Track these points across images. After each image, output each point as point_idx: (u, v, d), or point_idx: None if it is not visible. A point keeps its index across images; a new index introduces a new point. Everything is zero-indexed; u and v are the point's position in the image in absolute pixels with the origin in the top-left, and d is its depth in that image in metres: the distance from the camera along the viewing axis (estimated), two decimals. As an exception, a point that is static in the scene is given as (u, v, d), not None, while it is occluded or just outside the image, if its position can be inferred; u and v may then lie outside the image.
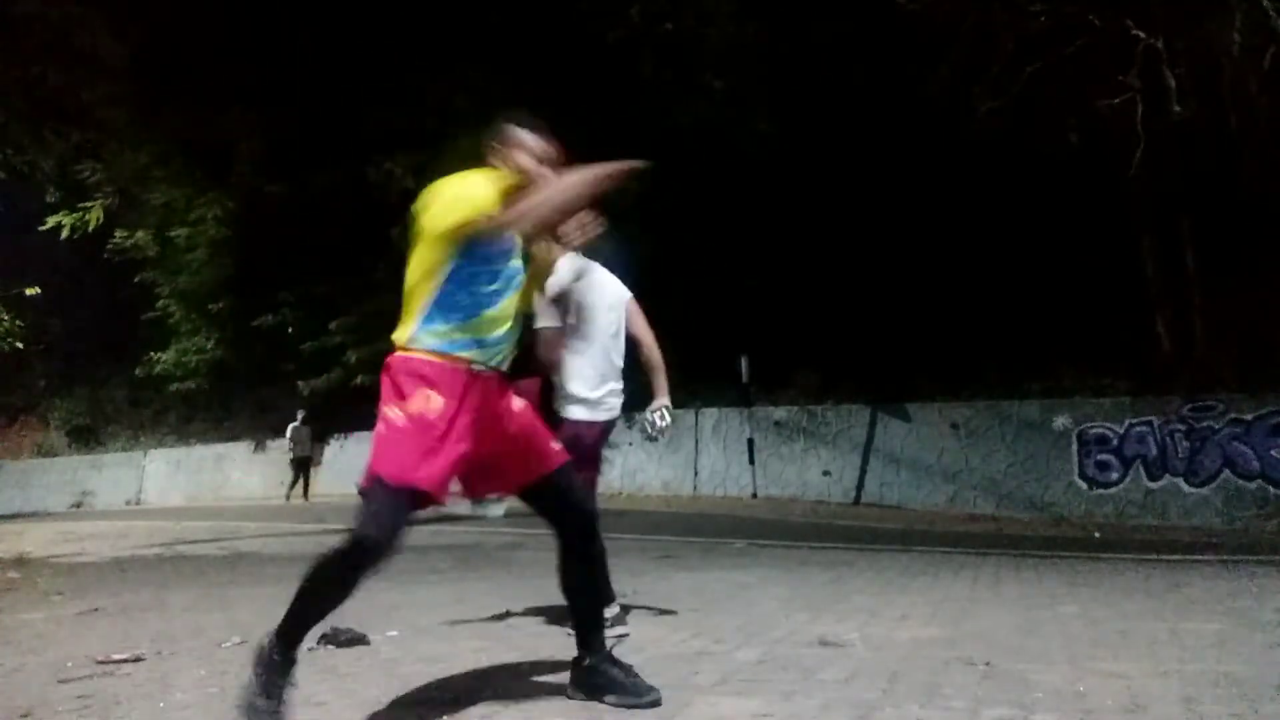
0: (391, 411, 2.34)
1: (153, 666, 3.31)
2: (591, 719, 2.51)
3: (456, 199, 2.38)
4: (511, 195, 2.36)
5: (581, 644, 2.65)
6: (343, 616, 4.00)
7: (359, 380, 17.60)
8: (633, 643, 3.52)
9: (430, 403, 2.32)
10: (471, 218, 2.32)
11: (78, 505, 22.61)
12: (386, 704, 2.69)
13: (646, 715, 2.52)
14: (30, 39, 11.26)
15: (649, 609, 4.37)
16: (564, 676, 2.76)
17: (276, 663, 2.29)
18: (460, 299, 2.38)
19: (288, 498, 17.35)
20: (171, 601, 5.09)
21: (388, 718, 2.58)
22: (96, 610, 4.80)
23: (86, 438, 25.62)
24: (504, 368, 2.50)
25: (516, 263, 2.51)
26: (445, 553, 7.48)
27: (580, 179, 2.34)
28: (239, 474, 21.19)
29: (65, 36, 11.50)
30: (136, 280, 21.11)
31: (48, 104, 12.07)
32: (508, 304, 2.48)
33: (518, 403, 2.56)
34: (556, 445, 2.61)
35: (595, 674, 2.61)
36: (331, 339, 17.85)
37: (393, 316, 2.46)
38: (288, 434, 17.67)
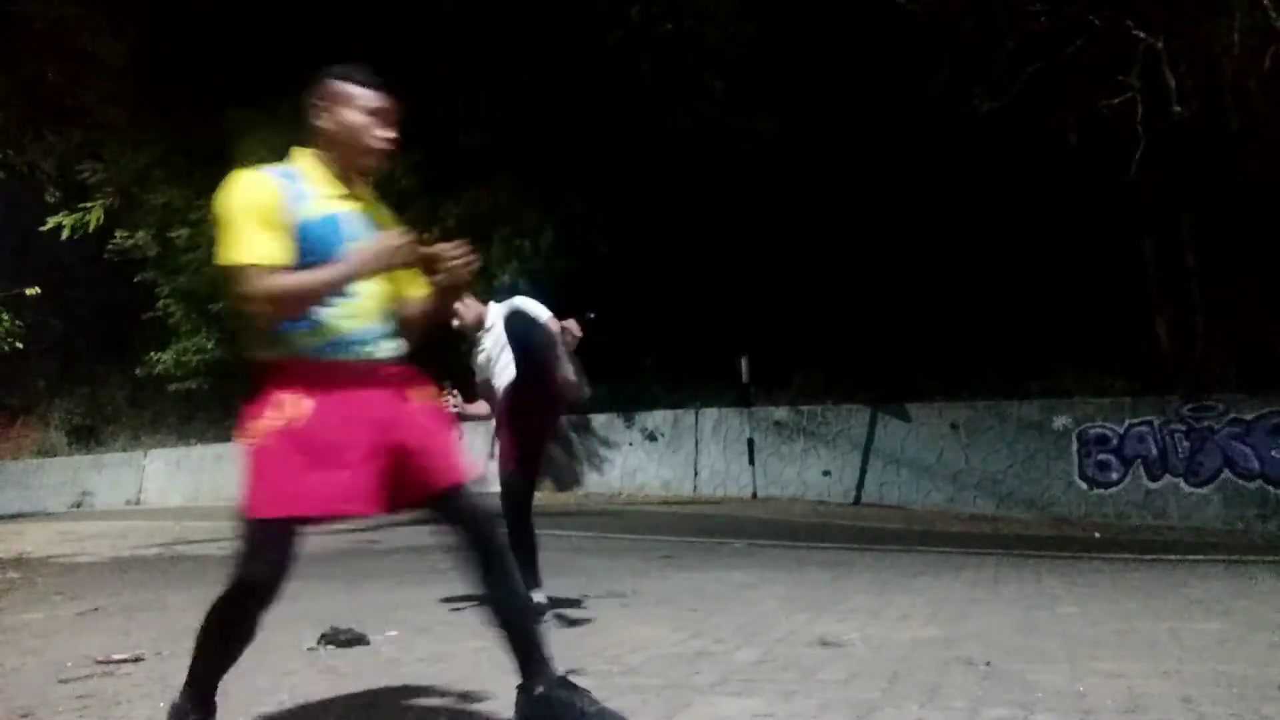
0: (253, 433, 2.10)
1: (153, 666, 3.32)
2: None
3: (230, 231, 2.06)
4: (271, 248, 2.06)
5: (525, 669, 2.25)
6: (343, 616, 4.02)
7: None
8: (633, 642, 3.52)
9: (298, 410, 2.08)
10: (239, 273, 2.05)
11: (78, 505, 22.60)
12: (386, 704, 2.69)
13: (644, 714, 2.52)
14: (30, 39, 11.24)
15: (649, 609, 4.37)
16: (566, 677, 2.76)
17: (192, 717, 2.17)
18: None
19: None
20: (171, 601, 5.09)
21: (388, 718, 2.58)
22: (96, 610, 4.80)
23: (86, 438, 25.60)
24: (384, 358, 2.22)
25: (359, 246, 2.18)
26: (445, 553, 7.47)
27: (343, 271, 2.10)
28: (239, 474, 21.16)
29: (65, 36, 11.48)
30: (136, 280, 21.09)
31: (48, 104, 12.05)
32: (361, 293, 2.18)
33: (421, 405, 2.28)
34: (461, 459, 2.29)
35: (547, 703, 2.19)
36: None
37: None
38: None
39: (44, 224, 16.32)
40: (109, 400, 25.67)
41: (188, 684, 2.19)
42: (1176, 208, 11.76)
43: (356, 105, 2.20)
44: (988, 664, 3.03)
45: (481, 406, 4.43)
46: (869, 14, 12.27)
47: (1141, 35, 10.13)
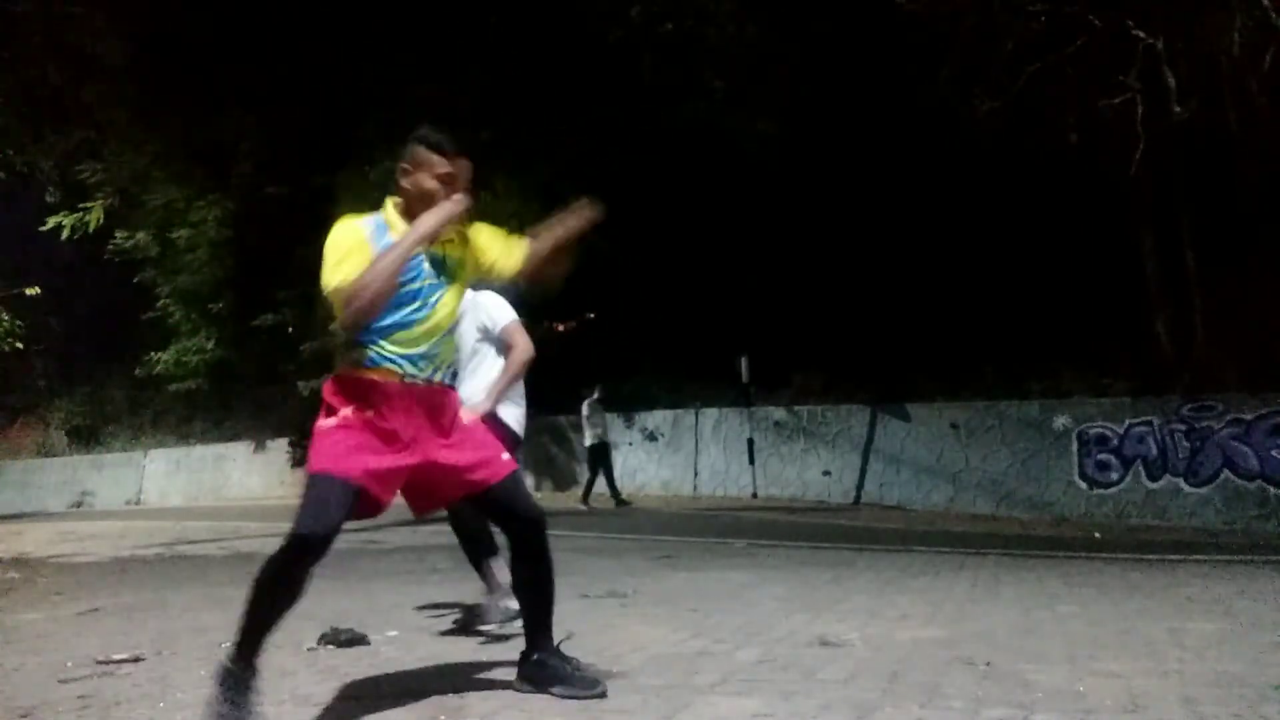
0: (323, 422, 2.46)
1: (153, 666, 3.32)
2: (590, 718, 2.51)
3: (326, 265, 2.47)
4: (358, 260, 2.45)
5: (530, 639, 2.75)
6: (343, 616, 4.02)
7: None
8: (633, 642, 3.52)
9: (362, 412, 2.45)
10: (332, 295, 2.45)
11: (78, 505, 22.61)
12: (386, 704, 2.69)
13: (644, 714, 2.52)
14: (30, 39, 11.25)
15: (649, 609, 4.37)
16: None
17: (238, 677, 2.30)
18: (385, 318, 2.48)
19: (585, 501, 12.73)
20: (171, 601, 5.08)
21: (388, 718, 2.58)
22: (96, 610, 4.80)
23: (86, 438, 25.61)
24: (441, 379, 2.59)
25: (433, 278, 2.57)
26: (445, 553, 7.47)
27: (400, 245, 2.45)
28: (239, 474, 21.19)
29: (65, 36, 11.48)
30: (136, 280, 21.09)
31: (48, 104, 12.05)
32: (432, 316, 2.55)
33: (465, 415, 2.70)
34: (505, 455, 2.69)
35: (542, 667, 2.70)
36: (332, 339, 17.84)
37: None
38: (583, 412, 12.90)
39: (44, 224, 16.34)
40: (109, 400, 25.67)
41: (236, 643, 2.35)
42: (1176, 208, 11.76)
43: (430, 171, 2.55)
44: (988, 664, 3.03)
45: None
46: (869, 14, 12.27)
47: (1141, 35, 10.13)
